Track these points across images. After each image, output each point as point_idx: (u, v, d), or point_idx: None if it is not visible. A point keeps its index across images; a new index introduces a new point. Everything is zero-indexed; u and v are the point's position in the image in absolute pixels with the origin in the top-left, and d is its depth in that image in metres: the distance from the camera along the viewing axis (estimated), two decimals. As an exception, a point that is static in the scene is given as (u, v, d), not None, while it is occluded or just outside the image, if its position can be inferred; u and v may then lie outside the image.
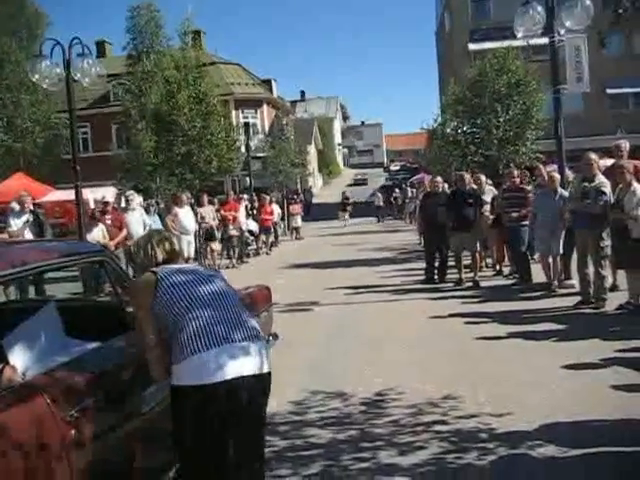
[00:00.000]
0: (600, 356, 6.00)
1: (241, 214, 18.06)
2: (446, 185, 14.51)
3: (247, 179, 26.96)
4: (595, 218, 8.04)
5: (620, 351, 6.16)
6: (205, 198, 16.34)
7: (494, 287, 10.59)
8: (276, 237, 22.81)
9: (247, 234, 18.88)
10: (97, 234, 10.76)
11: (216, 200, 18.85)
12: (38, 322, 3.24)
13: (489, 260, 12.58)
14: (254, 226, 19.77)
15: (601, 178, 8.23)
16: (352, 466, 4.05)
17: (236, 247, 17.22)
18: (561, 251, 9.47)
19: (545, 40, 10.32)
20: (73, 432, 2.47)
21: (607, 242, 8.12)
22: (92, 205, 14.07)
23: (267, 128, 42.83)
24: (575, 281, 9.21)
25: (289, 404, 5.25)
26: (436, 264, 11.53)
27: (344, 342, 7.40)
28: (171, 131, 25.62)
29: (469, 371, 5.92)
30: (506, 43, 27.02)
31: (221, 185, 32.91)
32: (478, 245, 11.16)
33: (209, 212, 15.87)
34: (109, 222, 11.59)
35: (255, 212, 21.07)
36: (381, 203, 36.20)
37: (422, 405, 5.02)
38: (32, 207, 11.18)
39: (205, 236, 15.43)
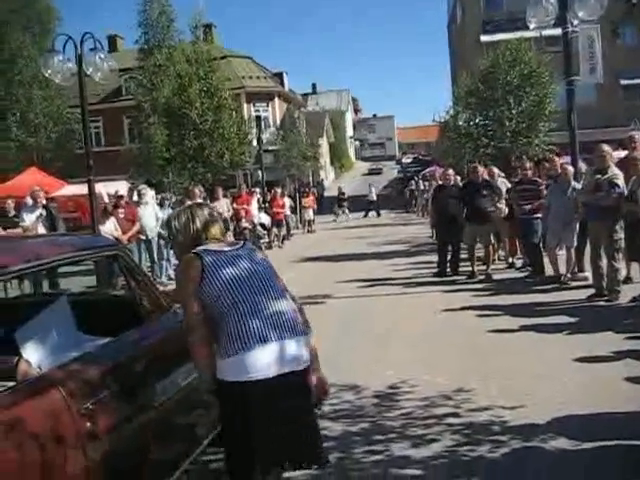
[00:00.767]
0: (613, 349, 5.98)
1: (253, 207, 18.10)
2: (458, 178, 14.47)
3: (259, 172, 26.99)
4: (608, 210, 7.99)
5: (633, 344, 6.14)
6: (220, 191, 16.38)
7: (506, 280, 10.56)
8: (288, 230, 22.84)
9: (259, 227, 18.91)
10: (109, 228, 10.82)
11: (228, 194, 18.89)
12: (52, 316, 3.27)
13: (502, 253, 12.54)
14: (266, 219, 19.80)
15: (614, 170, 8.17)
16: (365, 458, 4.07)
17: (248, 240, 17.26)
18: (574, 243, 9.43)
19: (558, 31, 10.26)
20: (88, 424, 2.50)
21: (620, 234, 8.08)
22: (105, 199, 14.17)
23: (279, 121, 42.82)
24: (588, 273, 9.17)
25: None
26: (448, 257, 11.52)
27: (356, 335, 7.41)
28: (183, 125, 25.72)
29: (481, 364, 5.92)
30: (518, 34, 26.87)
31: (233, 179, 32.96)
32: (491, 238, 11.13)
33: (223, 205, 15.90)
34: (122, 216, 11.65)
35: (267, 205, 21.10)
36: (374, 197, 35.56)
37: (434, 398, 5.02)
38: (45, 202, 11.26)
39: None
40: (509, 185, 11.72)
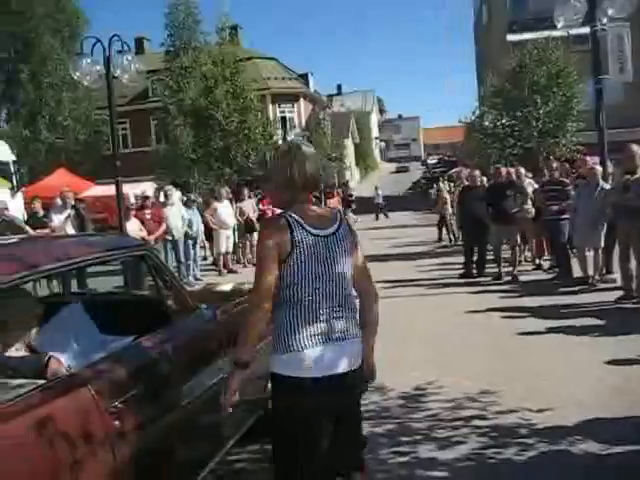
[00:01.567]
0: (642, 351, 5.91)
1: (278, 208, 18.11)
2: (484, 178, 14.38)
3: (284, 173, 27.00)
4: (637, 211, 7.88)
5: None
6: (246, 192, 16.45)
7: (533, 281, 10.47)
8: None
9: (285, 228, 18.91)
10: (134, 228, 10.89)
11: (252, 194, 18.93)
12: (82, 315, 3.31)
13: (528, 254, 12.44)
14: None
15: (644, 170, 8.06)
16: (391, 460, 4.06)
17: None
18: (602, 245, 9.32)
19: (586, 30, 10.14)
20: (116, 423, 2.53)
21: (650, 236, 7.97)
22: (132, 200, 14.29)
23: (304, 122, 42.87)
24: (616, 275, 9.06)
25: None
26: (474, 258, 11.45)
27: (381, 335, 7.31)
28: (209, 126, 25.85)
29: (508, 366, 5.88)
30: (546, 33, 26.58)
31: (258, 179, 33.08)
32: (518, 239, 11.04)
33: (249, 206, 15.96)
34: (148, 217, 11.74)
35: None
36: (380, 200, 34.97)
37: (460, 399, 5.00)
38: (74, 202, 11.39)
39: (245, 228, 15.50)
40: (536, 186, 11.62)
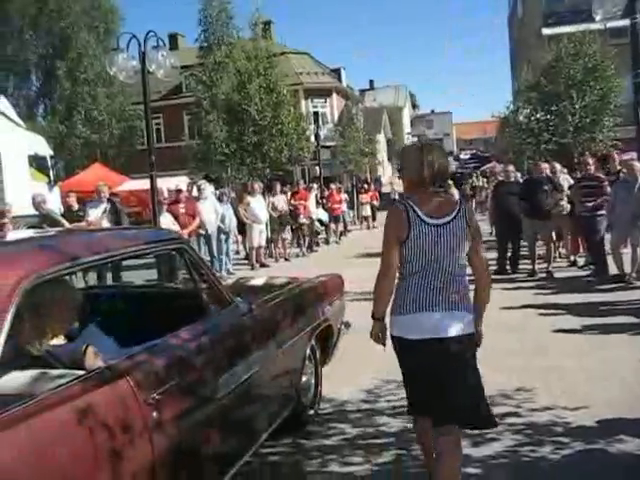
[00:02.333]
0: (680, 350, 5.81)
1: (311, 203, 18.14)
2: (518, 174, 14.23)
3: (316, 168, 27.03)
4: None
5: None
6: (278, 187, 16.51)
7: (568, 278, 10.34)
8: (345, 226, 22.84)
9: (317, 223, 18.96)
10: (167, 222, 10.97)
11: (285, 189, 19.00)
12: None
13: (563, 250, 12.29)
14: (324, 215, 19.84)
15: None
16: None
17: (306, 236, 17.34)
18: (640, 242, 9.17)
19: (625, 22, 9.95)
20: (154, 414, 2.56)
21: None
22: (166, 194, 14.42)
23: (336, 117, 42.80)
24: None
25: (361, 392, 5.28)
26: (508, 254, 11.35)
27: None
28: (242, 121, 25.94)
29: (542, 363, 5.82)
30: (582, 26, 26.16)
31: (290, 174, 33.13)
32: (552, 235, 10.91)
33: (281, 200, 16.01)
34: (183, 211, 11.82)
35: (324, 201, 21.13)
36: (396, 196, 34.59)
37: (494, 396, 4.94)
38: (110, 196, 11.52)
39: (279, 221, 15.57)
40: (571, 181, 11.47)
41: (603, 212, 9.86)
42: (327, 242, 20.07)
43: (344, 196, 23.78)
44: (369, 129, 42.28)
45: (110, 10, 40.67)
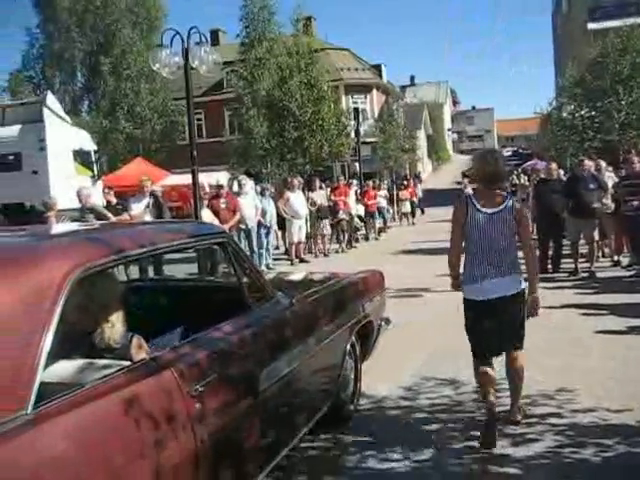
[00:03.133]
0: None
1: (351, 199, 18.14)
2: (561, 171, 14.00)
3: (356, 164, 27.01)
4: None
5: None
6: (317, 182, 16.54)
7: (611, 278, 10.15)
8: (385, 223, 22.77)
9: (356, 219, 18.95)
10: (207, 217, 11.06)
11: (324, 185, 19.02)
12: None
13: (606, 250, 12.06)
14: (363, 211, 19.82)
15: None
16: (464, 454, 4.03)
17: (345, 232, 17.34)
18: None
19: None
20: (197, 406, 2.59)
21: None
22: (207, 189, 14.55)
23: (377, 113, 42.69)
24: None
25: (401, 389, 5.27)
26: (550, 253, 11.18)
27: (454, 328, 7.25)
28: (283, 116, 26.05)
29: (584, 364, 5.73)
30: (630, 21, 25.65)
31: (330, 170, 33.14)
32: (596, 234, 10.72)
33: (321, 196, 16.04)
34: (223, 205, 11.92)
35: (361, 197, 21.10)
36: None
37: (535, 396, 4.90)
38: (152, 191, 11.66)
39: (318, 215, 15.57)
40: (616, 180, 11.25)
41: (648, 211, 9.65)
42: (367, 238, 20.04)
43: (383, 192, 23.70)
44: (409, 125, 42.11)
45: (154, 7, 41.19)
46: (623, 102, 26.09)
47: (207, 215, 11.18)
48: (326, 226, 16.14)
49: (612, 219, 10.76)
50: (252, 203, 13.08)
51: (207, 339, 2.96)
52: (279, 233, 15.63)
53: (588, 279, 10.16)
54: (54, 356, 2.27)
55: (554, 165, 12.37)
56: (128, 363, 2.56)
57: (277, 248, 16.14)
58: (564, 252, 11.17)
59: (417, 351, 6.39)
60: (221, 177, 17.02)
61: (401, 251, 15.39)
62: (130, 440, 2.27)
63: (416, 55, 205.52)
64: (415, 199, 26.93)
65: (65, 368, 2.47)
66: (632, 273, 10.24)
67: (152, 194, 10.96)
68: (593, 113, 27.24)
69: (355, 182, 21.66)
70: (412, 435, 4.36)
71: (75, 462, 2.06)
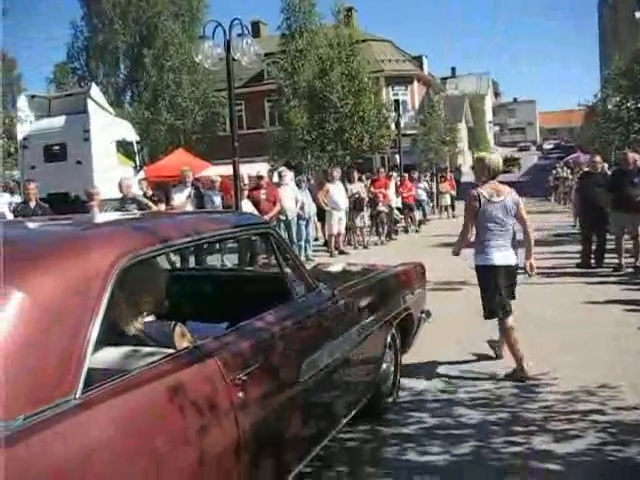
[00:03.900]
0: None
1: (391, 191, 18.06)
2: (605, 165, 13.73)
3: (396, 156, 26.87)
4: None
5: None
6: (355, 174, 16.50)
7: (657, 274, 9.95)
8: (424, 215, 22.62)
9: (396, 211, 18.87)
10: (247, 208, 11.13)
11: (364, 177, 18.96)
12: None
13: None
14: (401, 203, 19.72)
15: None
16: (504, 449, 3.99)
17: (385, 224, 17.28)
18: None
19: None
20: (240, 394, 2.61)
21: None
22: (246, 180, 14.63)
23: (417, 105, 42.39)
24: None
25: (440, 382, 5.26)
26: (593, 247, 11.00)
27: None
28: (323, 108, 26.03)
29: (629, 360, 5.63)
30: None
31: (369, 162, 33.03)
32: (641, 229, 10.50)
33: (359, 188, 16.00)
34: (264, 196, 11.98)
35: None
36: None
37: (577, 392, 4.84)
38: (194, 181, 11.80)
39: (354, 206, 15.51)
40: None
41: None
42: (406, 231, 19.95)
43: (423, 184, 23.53)
44: (450, 117, 41.73)
45: None
46: (671, 94, 25.52)
47: (247, 206, 11.25)
48: (364, 218, 16.10)
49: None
50: (292, 194, 13.12)
51: (250, 329, 2.98)
52: (319, 225, 15.64)
53: (632, 275, 9.97)
54: (101, 343, 2.31)
55: (598, 158, 12.14)
56: (172, 351, 2.59)
57: (317, 239, 16.16)
58: (608, 247, 10.97)
59: (455, 344, 6.36)
60: (261, 168, 17.12)
61: (440, 244, 15.24)
62: (174, 426, 2.31)
63: (458, 46, 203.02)
64: (453, 192, 26.66)
65: (111, 355, 2.51)
66: (678, 269, 10.02)
67: (194, 184, 11.07)
68: (639, 105, 26.67)
69: (395, 174, 21.54)
70: (451, 429, 4.34)
71: (120, 446, 2.09)
